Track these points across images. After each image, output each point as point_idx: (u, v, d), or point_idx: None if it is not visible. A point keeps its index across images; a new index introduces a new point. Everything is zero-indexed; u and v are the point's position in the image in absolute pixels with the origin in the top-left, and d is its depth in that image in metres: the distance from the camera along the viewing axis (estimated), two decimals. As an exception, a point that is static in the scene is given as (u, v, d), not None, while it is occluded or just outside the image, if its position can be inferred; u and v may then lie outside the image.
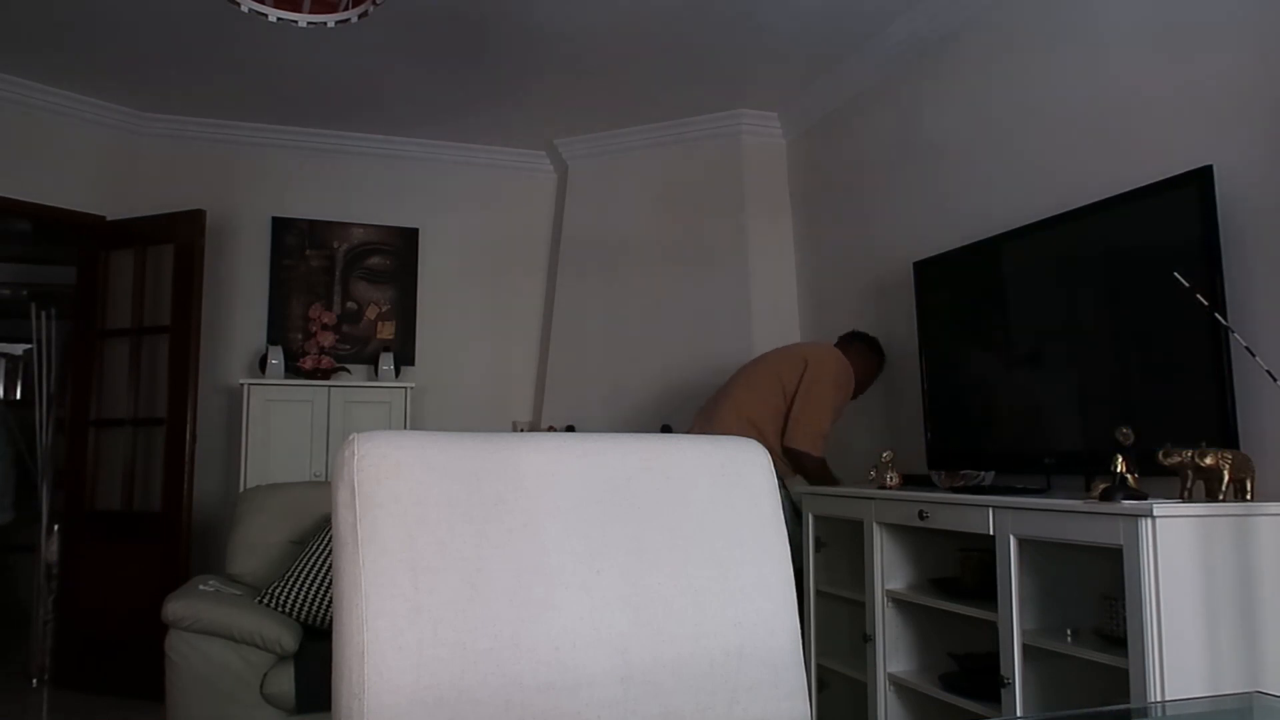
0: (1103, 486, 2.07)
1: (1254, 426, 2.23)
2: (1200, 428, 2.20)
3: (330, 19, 2.45)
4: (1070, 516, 2.12)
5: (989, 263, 3.01)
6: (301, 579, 3.17)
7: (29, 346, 5.99)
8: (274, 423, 4.49)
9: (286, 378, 4.68)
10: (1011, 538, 2.31)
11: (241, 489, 4.32)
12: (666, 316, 4.73)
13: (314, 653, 2.96)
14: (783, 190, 4.75)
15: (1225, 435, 2.17)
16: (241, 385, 4.51)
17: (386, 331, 5.04)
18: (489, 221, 5.28)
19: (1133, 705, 1.90)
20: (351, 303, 5.01)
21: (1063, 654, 2.21)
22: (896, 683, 2.84)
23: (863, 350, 3.64)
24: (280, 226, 4.93)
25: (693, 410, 4.18)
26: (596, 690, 1.12)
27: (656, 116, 4.74)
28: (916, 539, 2.90)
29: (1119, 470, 2.08)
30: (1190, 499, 2.04)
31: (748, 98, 4.52)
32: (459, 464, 1.14)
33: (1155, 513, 1.91)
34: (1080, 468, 2.56)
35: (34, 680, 3.90)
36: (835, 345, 3.66)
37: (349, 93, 4.46)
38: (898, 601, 2.87)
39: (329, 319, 4.87)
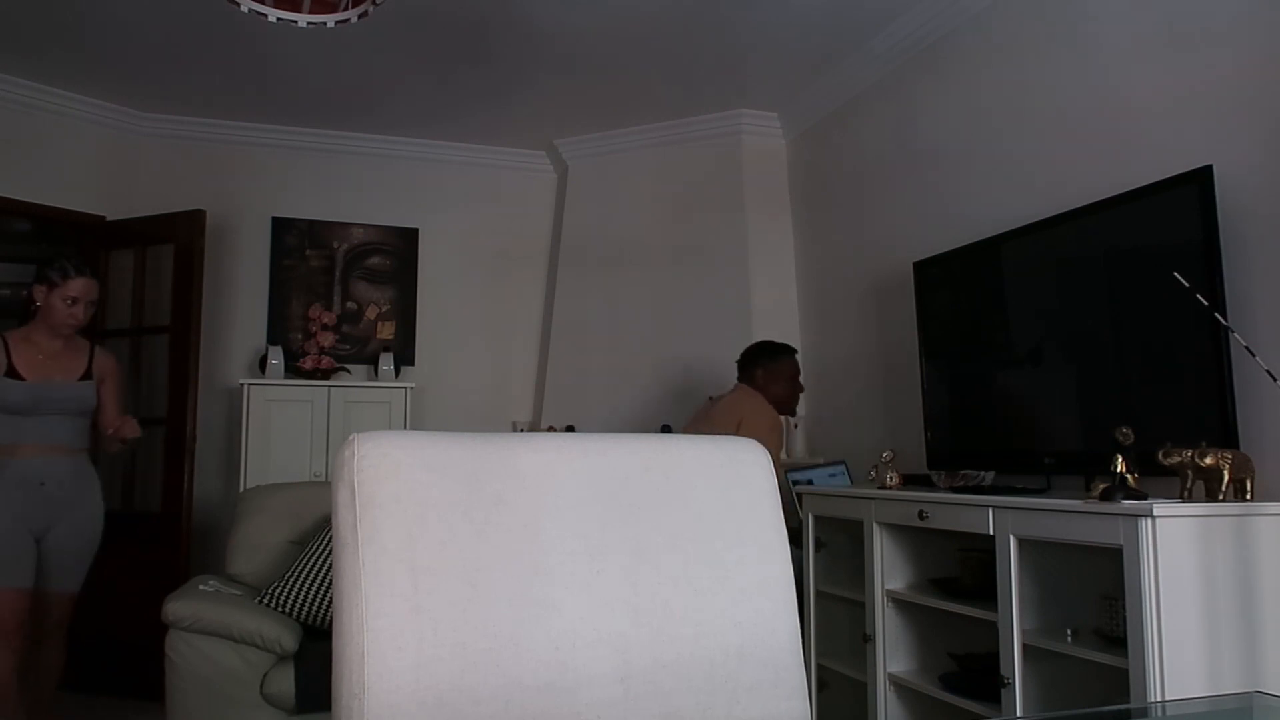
0: (1103, 486, 2.07)
1: (1254, 426, 2.23)
2: (1200, 428, 2.19)
3: (330, 19, 2.45)
4: (1070, 516, 2.12)
5: (989, 263, 3.01)
6: (301, 579, 3.17)
7: (29, 346, 5.97)
8: (274, 423, 4.49)
9: (286, 378, 4.68)
10: (1011, 538, 2.31)
11: (241, 489, 4.32)
12: (666, 316, 4.73)
13: (314, 653, 2.96)
14: (783, 190, 4.75)
15: (1225, 435, 2.17)
16: (241, 385, 4.51)
17: (386, 331, 5.04)
18: (489, 221, 5.27)
19: (1133, 705, 1.90)
20: (351, 303, 5.01)
21: (1063, 654, 2.21)
22: (896, 683, 2.84)
23: (773, 373, 3.67)
24: (280, 226, 4.93)
25: (694, 410, 4.17)
26: (597, 690, 1.12)
27: (656, 116, 4.74)
28: (916, 539, 2.90)
29: (1119, 470, 2.08)
30: (1190, 499, 2.04)
31: (748, 98, 4.52)
32: (459, 464, 1.14)
33: (1155, 513, 1.91)
34: (1080, 468, 2.56)
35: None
36: (744, 382, 3.70)
37: (349, 93, 4.46)
38: (898, 601, 2.87)
39: (329, 319, 4.87)
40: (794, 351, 3.77)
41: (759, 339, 3.95)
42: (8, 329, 3.25)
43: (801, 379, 3.80)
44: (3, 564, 3.01)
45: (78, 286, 3.15)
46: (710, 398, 3.89)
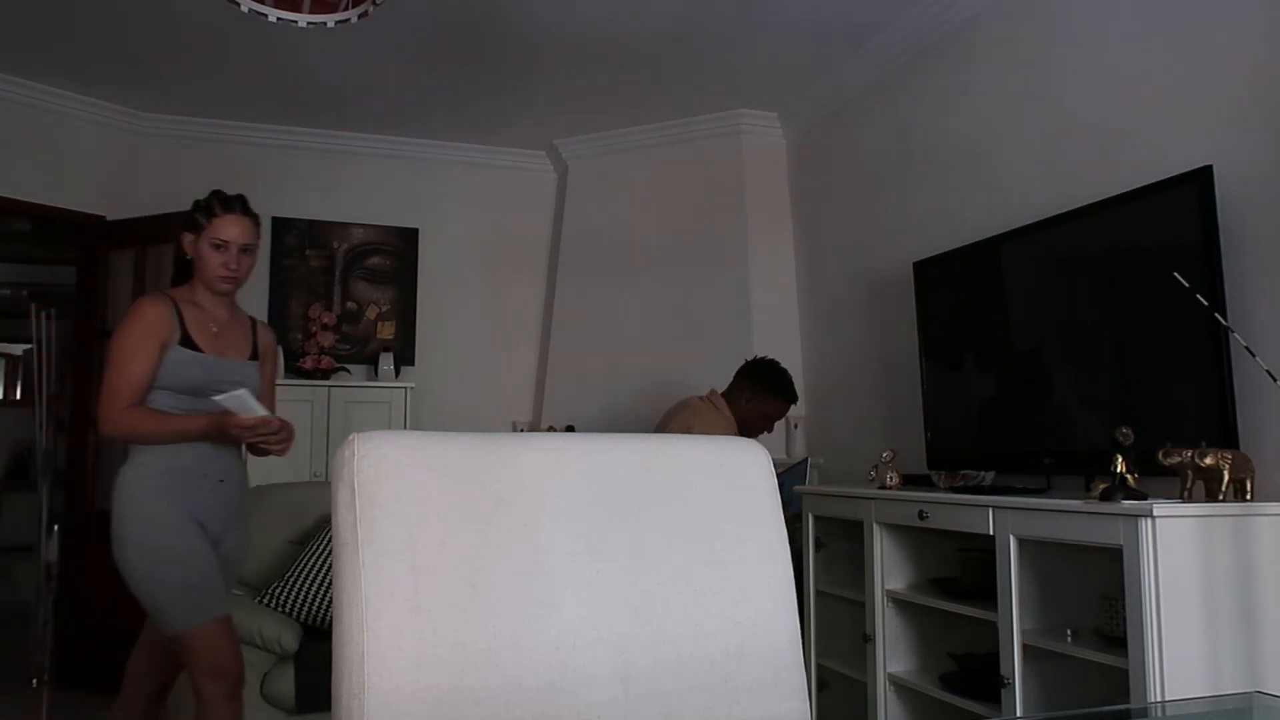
0: (1103, 486, 2.07)
1: (1254, 426, 2.23)
2: (1200, 428, 2.19)
3: (330, 19, 2.45)
4: (1070, 516, 2.12)
5: (989, 263, 3.01)
6: (301, 579, 3.17)
7: (29, 346, 5.99)
8: (274, 423, 4.48)
9: (286, 378, 4.67)
10: (1011, 538, 2.31)
11: (241, 489, 4.31)
12: (666, 316, 4.73)
13: (314, 653, 2.96)
14: (783, 190, 4.75)
15: (1225, 435, 2.16)
16: (241, 385, 4.50)
17: (386, 331, 5.04)
18: (489, 221, 5.27)
19: (1133, 705, 1.90)
20: (351, 303, 5.01)
21: (1063, 654, 2.21)
22: (896, 683, 2.84)
23: (761, 401, 3.59)
24: (280, 226, 4.93)
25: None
26: (597, 691, 1.12)
27: (656, 116, 4.74)
28: (916, 539, 2.90)
29: (1119, 470, 2.08)
30: (1190, 499, 2.04)
31: (748, 98, 4.51)
32: (459, 464, 1.14)
33: (1155, 513, 1.91)
34: (1080, 468, 2.56)
35: (34, 680, 3.90)
36: (725, 393, 3.61)
37: (349, 93, 4.46)
38: (898, 601, 2.87)
39: (329, 319, 4.87)
40: (794, 401, 3.70)
41: (761, 348, 3.94)
42: (170, 287, 2.60)
43: (775, 428, 3.73)
44: (202, 590, 2.34)
45: (227, 227, 2.44)
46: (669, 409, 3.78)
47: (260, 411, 2.35)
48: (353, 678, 1.02)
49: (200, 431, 2.37)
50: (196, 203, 2.51)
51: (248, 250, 2.49)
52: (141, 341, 2.36)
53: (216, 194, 2.50)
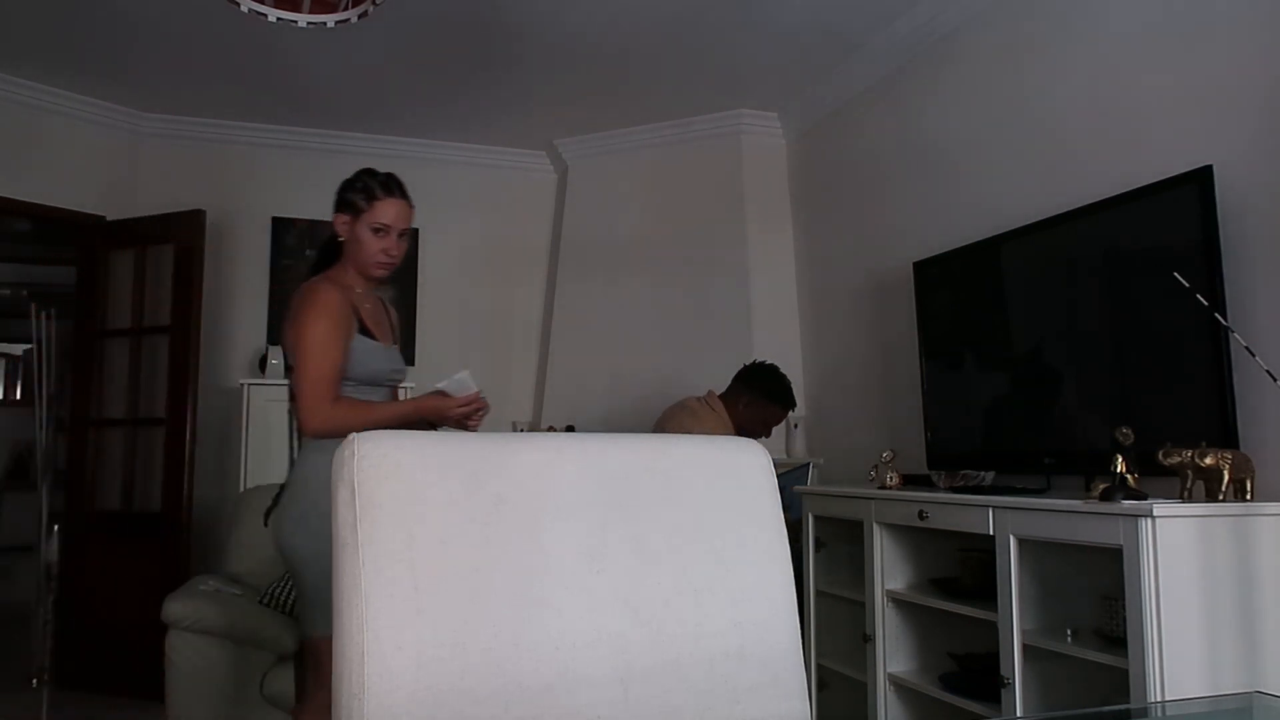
0: (1103, 486, 2.07)
1: (1254, 426, 2.23)
2: (1200, 428, 2.19)
3: (330, 19, 2.45)
4: (1070, 516, 2.12)
5: (989, 263, 3.01)
6: (301, 579, 3.17)
7: (29, 346, 5.99)
8: (274, 423, 4.49)
9: (287, 378, 4.66)
10: (1011, 538, 2.31)
11: (241, 489, 4.32)
12: (666, 317, 4.73)
13: (314, 653, 2.95)
14: (783, 190, 4.75)
15: (1225, 435, 2.17)
16: (241, 385, 4.50)
17: (386, 331, 5.03)
18: (489, 222, 5.27)
19: (1133, 705, 1.90)
20: (351, 303, 5.00)
21: (1063, 654, 2.21)
22: (896, 683, 2.84)
23: (757, 408, 3.54)
24: (280, 226, 4.93)
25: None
26: (596, 691, 1.12)
27: (656, 116, 4.74)
28: (916, 539, 2.90)
29: (1119, 470, 2.08)
30: (1190, 499, 2.04)
31: (748, 98, 4.51)
32: (459, 464, 1.14)
33: (1155, 513, 1.91)
34: (1080, 468, 2.56)
35: (34, 680, 3.90)
36: (723, 395, 3.57)
37: (349, 93, 4.46)
38: (898, 601, 2.87)
39: (329, 319, 4.86)
40: (792, 408, 3.66)
41: (761, 348, 3.92)
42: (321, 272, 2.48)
43: (774, 430, 3.69)
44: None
45: (388, 210, 2.36)
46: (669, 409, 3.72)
47: (475, 388, 2.33)
48: (353, 678, 1.02)
49: (406, 418, 2.30)
50: (350, 183, 2.40)
51: (404, 235, 2.42)
52: (335, 330, 2.28)
53: (372, 174, 2.40)
